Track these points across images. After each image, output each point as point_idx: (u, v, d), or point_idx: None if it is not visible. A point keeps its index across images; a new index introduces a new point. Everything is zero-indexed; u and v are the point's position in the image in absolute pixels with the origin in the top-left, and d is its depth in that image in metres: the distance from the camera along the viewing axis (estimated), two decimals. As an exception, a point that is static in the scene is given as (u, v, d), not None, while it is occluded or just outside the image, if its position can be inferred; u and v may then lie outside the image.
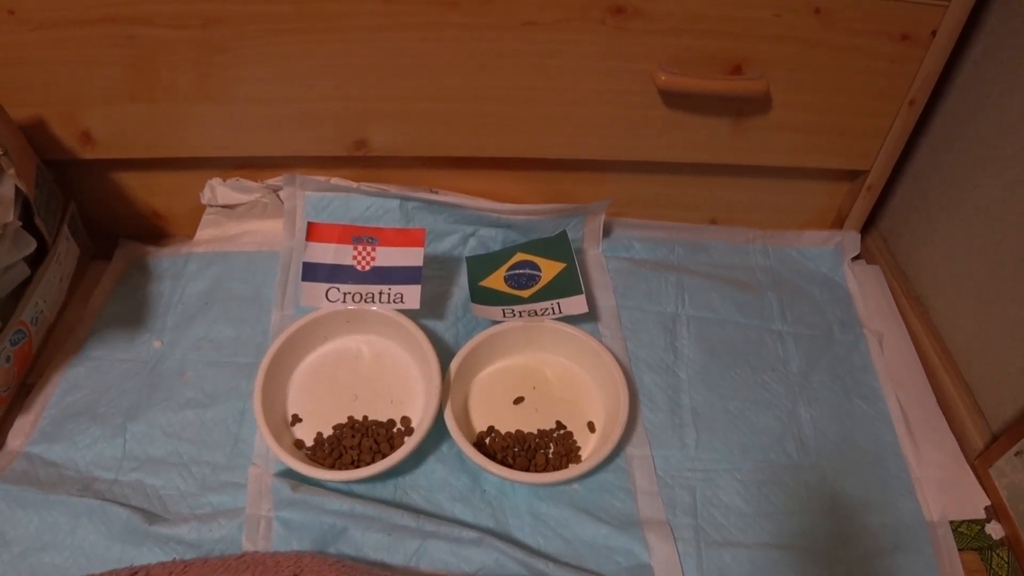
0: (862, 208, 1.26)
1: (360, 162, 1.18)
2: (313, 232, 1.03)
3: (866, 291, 1.24)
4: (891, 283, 1.26)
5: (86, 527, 0.91)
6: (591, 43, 1.03)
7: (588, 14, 1.00)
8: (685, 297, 1.18)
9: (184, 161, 1.18)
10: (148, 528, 0.92)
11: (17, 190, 1.03)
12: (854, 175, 1.24)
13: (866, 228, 1.32)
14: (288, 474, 0.95)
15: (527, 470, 0.96)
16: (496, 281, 1.10)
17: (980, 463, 1.02)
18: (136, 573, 0.85)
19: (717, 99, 1.10)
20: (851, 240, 1.28)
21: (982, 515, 0.99)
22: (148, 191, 1.25)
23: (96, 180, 1.22)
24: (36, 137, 1.12)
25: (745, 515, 0.96)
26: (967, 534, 0.97)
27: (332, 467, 0.96)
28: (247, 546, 0.90)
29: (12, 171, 1.02)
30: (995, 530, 0.97)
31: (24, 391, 1.07)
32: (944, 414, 1.09)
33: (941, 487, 1.01)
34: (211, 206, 1.22)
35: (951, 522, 0.97)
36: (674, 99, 1.10)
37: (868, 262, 1.31)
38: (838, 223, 1.31)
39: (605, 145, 1.16)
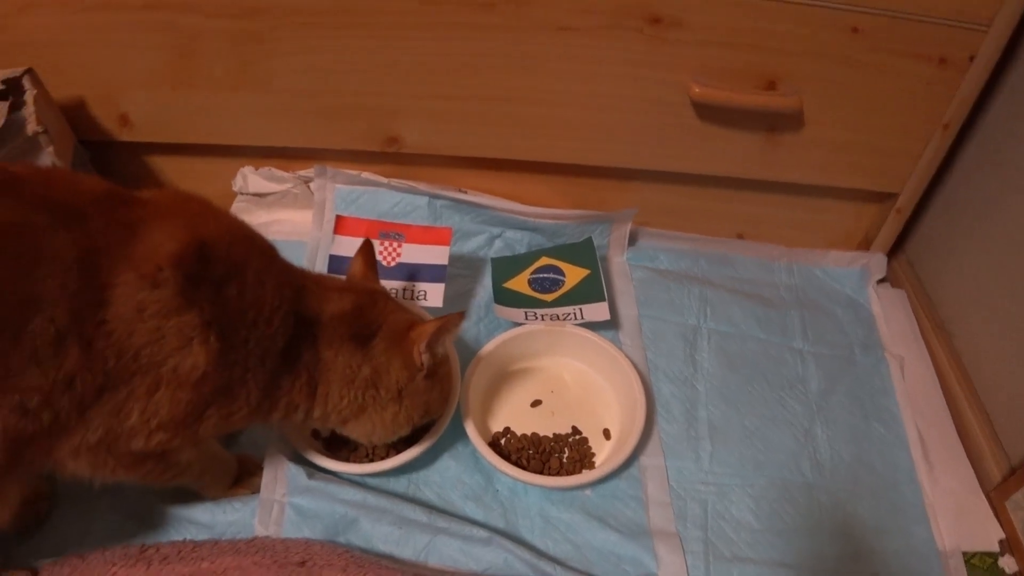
0: (890, 230, 1.26)
1: (391, 158, 1.19)
2: (341, 225, 1.04)
3: (890, 314, 1.23)
4: (915, 307, 1.25)
5: (104, 508, 0.93)
6: (626, 51, 1.03)
7: (625, 22, 1.01)
8: (707, 310, 1.17)
9: (217, 148, 1.20)
10: (163, 508, 0.93)
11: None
12: (884, 197, 1.23)
13: (893, 251, 1.31)
14: (304, 463, 0.95)
15: (541, 473, 0.97)
16: (520, 283, 1.11)
17: (996, 495, 1.01)
18: (147, 550, 0.86)
19: (750, 113, 1.10)
20: (877, 262, 1.28)
21: (996, 548, 0.97)
22: (180, 176, 1.26)
23: (130, 162, 1.24)
24: (75, 117, 1.14)
25: (755, 531, 0.96)
26: (979, 566, 0.96)
27: (347, 459, 0.96)
28: (259, 530, 0.90)
29: (51, 149, 1.05)
30: (1009, 564, 0.96)
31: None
32: (962, 443, 1.08)
33: (955, 516, 1.00)
34: (242, 194, 1.24)
35: (964, 553, 0.97)
36: (707, 111, 1.10)
37: (893, 285, 1.30)
38: (865, 244, 1.30)
39: (635, 153, 1.16)
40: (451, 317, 0.85)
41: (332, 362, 0.82)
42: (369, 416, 0.86)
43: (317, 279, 0.86)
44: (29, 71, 1.02)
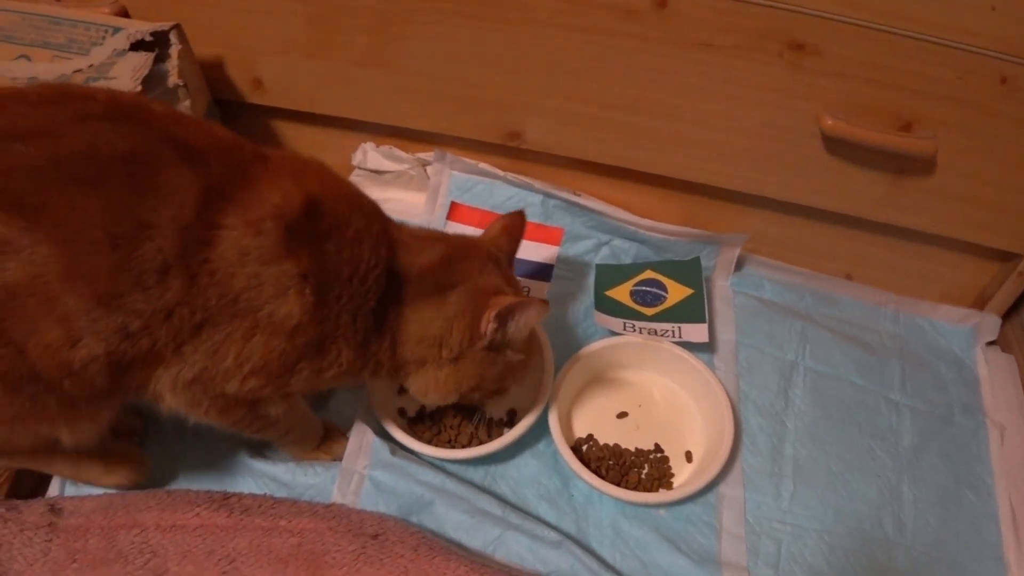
0: (1009, 292, 1.20)
1: (509, 152, 1.20)
2: (455, 212, 1.05)
3: (996, 379, 1.18)
4: (1024, 375, 1.19)
5: (190, 450, 0.97)
6: (763, 74, 1.02)
7: (766, 45, 0.99)
8: (807, 347, 1.15)
9: (342, 121, 1.23)
10: (248, 460, 0.96)
11: (192, 119, 1.08)
12: (1008, 256, 1.18)
13: (1008, 314, 1.25)
14: (388, 438, 0.97)
15: (618, 485, 0.96)
16: (622, 293, 1.10)
17: (1089, 583, 0.96)
18: (229, 498, 0.88)
19: (880, 153, 1.07)
20: (990, 323, 1.22)
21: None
22: (302, 143, 1.30)
23: (257, 125, 1.28)
24: (212, 76, 1.19)
25: (828, 579, 0.93)
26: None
27: (430, 442, 0.98)
28: (337, 497, 0.93)
29: (187, 103, 1.09)
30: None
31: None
32: (1059, 526, 1.03)
33: (1040, 603, 0.95)
34: (360, 168, 1.26)
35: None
36: (835, 145, 1.07)
37: (1004, 349, 1.24)
38: (979, 303, 1.25)
39: (755, 179, 1.15)
40: (534, 300, 0.82)
41: (412, 316, 0.82)
42: (427, 371, 0.85)
43: (414, 233, 0.86)
44: (176, 26, 1.07)
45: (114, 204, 0.67)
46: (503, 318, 0.82)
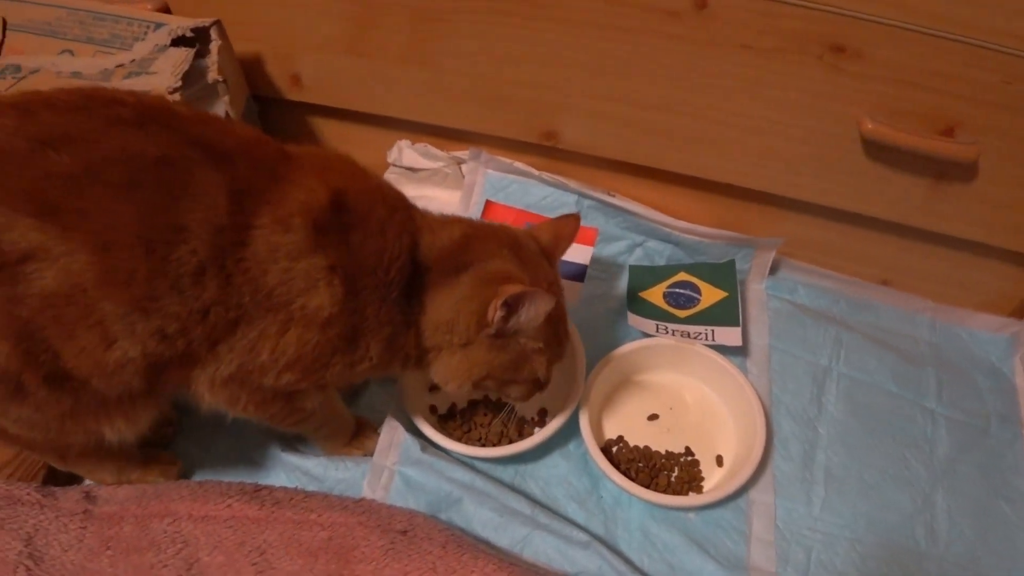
0: (1049, 302, 1.19)
1: (544, 151, 1.20)
2: (489, 210, 1.05)
3: (1034, 390, 1.16)
4: (1064, 387, 1.17)
5: (222, 442, 0.98)
6: (802, 77, 1.01)
7: (807, 48, 0.98)
8: (841, 353, 1.13)
9: (378, 118, 1.23)
10: (280, 454, 0.97)
11: (227, 116, 1.10)
12: (1050, 266, 1.16)
13: (1048, 324, 1.23)
14: (419, 435, 0.97)
15: (648, 487, 0.96)
16: (655, 295, 1.10)
17: None
18: (260, 490, 0.89)
19: (920, 157, 1.05)
20: (1029, 333, 1.20)
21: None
22: (338, 139, 1.31)
23: (293, 121, 1.29)
24: (251, 72, 1.20)
25: (858, 590, 0.92)
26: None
27: (460, 439, 0.98)
28: (367, 492, 0.93)
29: (226, 98, 1.10)
30: None
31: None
32: (1097, 539, 1.01)
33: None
34: (395, 165, 1.27)
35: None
36: (875, 149, 1.06)
37: (1043, 360, 1.22)
38: (1019, 312, 1.23)
39: (792, 182, 1.13)
40: (540, 293, 0.78)
41: (430, 302, 0.82)
42: (442, 358, 0.84)
43: (438, 220, 0.86)
44: (217, 23, 1.08)
45: (147, 209, 0.67)
46: (511, 306, 0.79)
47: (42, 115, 0.68)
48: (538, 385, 0.90)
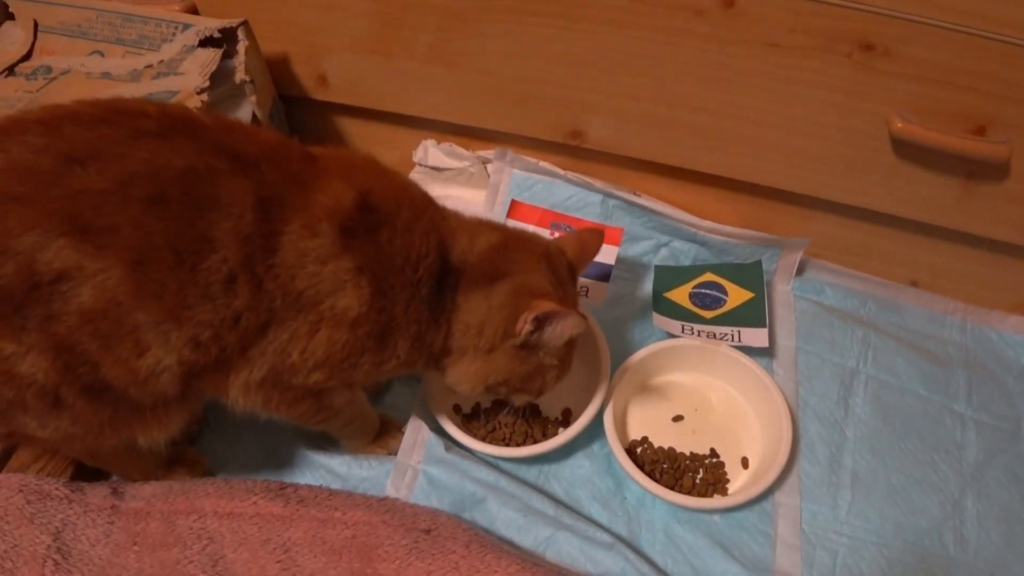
0: (1083, 304, 1.16)
1: (570, 151, 1.20)
2: (515, 210, 1.05)
3: (1067, 394, 1.14)
4: (1098, 392, 1.15)
5: (248, 439, 0.99)
6: (831, 75, 1.00)
7: (835, 45, 0.97)
8: (869, 355, 1.12)
9: (404, 118, 1.24)
10: (305, 452, 0.98)
11: (254, 116, 1.11)
12: (1082, 267, 1.14)
13: (1082, 327, 1.21)
14: (443, 434, 0.97)
15: (672, 489, 0.95)
16: (680, 296, 1.09)
17: None
18: (285, 488, 0.90)
19: (950, 157, 1.04)
20: (1062, 336, 1.18)
21: None
22: (363, 139, 1.31)
23: (320, 121, 1.30)
24: (278, 72, 1.21)
25: (884, 596, 0.91)
26: None
27: (484, 439, 0.98)
28: (390, 491, 0.93)
29: (253, 98, 1.11)
30: None
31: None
32: None
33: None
34: (421, 165, 1.27)
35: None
36: (904, 148, 1.05)
37: (1076, 364, 1.20)
38: (1051, 315, 1.21)
39: (819, 182, 1.12)
40: (572, 312, 0.80)
41: (463, 304, 0.82)
42: (464, 361, 0.85)
43: (470, 222, 0.86)
44: (244, 23, 1.08)
45: (177, 221, 0.68)
46: (541, 322, 0.81)
47: (67, 130, 0.68)
48: (539, 395, 0.92)
